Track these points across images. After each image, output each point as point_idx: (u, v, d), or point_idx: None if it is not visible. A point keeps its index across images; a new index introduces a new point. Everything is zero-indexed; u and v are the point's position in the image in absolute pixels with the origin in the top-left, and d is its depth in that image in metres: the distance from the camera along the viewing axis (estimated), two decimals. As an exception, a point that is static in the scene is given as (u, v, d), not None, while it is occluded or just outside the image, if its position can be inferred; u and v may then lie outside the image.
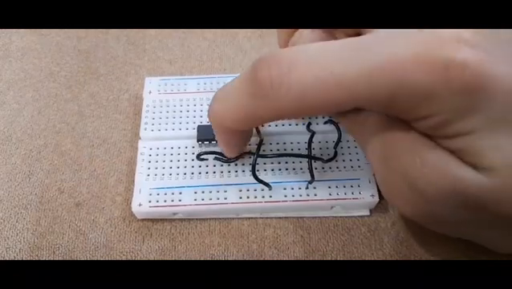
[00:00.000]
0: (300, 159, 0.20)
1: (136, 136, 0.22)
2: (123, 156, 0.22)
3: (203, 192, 0.19)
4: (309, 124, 0.21)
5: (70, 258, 0.19)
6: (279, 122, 0.21)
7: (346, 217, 0.20)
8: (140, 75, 0.24)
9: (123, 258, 0.19)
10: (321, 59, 0.14)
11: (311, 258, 0.19)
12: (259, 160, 0.20)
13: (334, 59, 0.13)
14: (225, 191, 0.19)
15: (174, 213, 0.20)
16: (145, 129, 0.21)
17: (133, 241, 0.20)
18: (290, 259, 0.19)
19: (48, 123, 0.23)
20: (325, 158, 0.20)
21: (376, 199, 0.19)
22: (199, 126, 0.21)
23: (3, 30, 0.26)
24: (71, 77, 0.24)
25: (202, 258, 0.19)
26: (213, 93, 0.18)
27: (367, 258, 0.19)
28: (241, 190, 0.19)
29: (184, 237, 0.20)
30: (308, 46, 0.14)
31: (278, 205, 0.19)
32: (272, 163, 0.20)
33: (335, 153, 0.20)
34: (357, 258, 0.19)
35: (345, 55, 0.13)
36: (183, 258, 0.19)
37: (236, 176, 0.20)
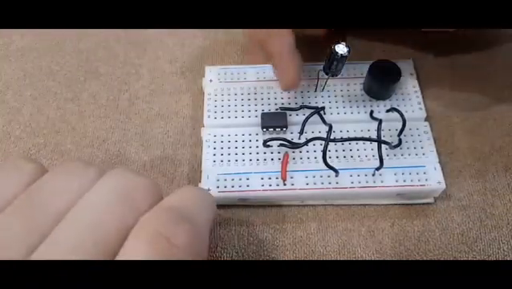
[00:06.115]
0: (365, 146, 0.20)
1: (137, 136, 0.22)
2: (124, 156, 0.22)
3: (269, 178, 0.20)
4: (371, 112, 0.21)
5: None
6: (341, 110, 0.22)
7: (410, 204, 0.20)
8: (140, 75, 0.24)
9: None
10: None
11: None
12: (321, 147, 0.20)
13: None
14: (292, 177, 0.20)
15: (240, 199, 0.20)
16: (209, 117, 0.21)
17: (133, 240, 0.19)
18: (288, 259, 0.19)
19: (47, 122, 0.23)
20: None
21: (443, 186, 0.19)
22: (263, 113, 0.21)
23: (3, 30, 0.26)
24: (70, 76, 0.24)
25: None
26: (273, 82, 0.20)
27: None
28: (307, 176, 0.20)
29: (183, 237, 0.20)
30: None
31: (343, 192, 0.20)
32: (336, 151, 0.20)
33: (400, 141, 0.20)
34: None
35: None
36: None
37: (302, 162, 0.20)
